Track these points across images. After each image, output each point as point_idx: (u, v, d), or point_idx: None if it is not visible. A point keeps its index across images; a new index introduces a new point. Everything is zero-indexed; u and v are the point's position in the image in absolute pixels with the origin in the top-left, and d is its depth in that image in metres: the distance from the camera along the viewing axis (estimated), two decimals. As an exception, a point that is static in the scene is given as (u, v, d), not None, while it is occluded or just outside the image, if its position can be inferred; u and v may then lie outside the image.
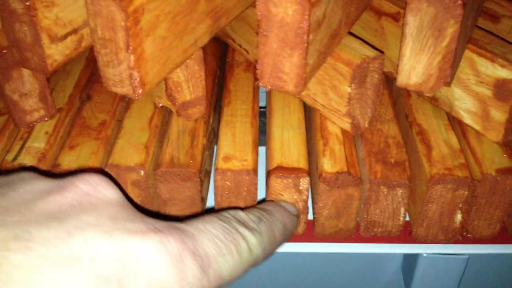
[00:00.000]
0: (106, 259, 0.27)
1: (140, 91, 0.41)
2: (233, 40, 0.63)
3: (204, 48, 0.66)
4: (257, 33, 0.41)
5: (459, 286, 0.66)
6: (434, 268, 0.64)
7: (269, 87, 0.44)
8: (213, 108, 0.59)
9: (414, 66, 0.43)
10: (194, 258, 0.30)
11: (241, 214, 0.40)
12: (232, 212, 0.39)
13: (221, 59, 0.67)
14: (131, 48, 0.38)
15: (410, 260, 0.66)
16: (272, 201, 0.49)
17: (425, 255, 0.63)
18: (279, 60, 0.42)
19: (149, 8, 0.39)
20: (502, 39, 0.51)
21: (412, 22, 0.40)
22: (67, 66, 0.62)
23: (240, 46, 0.63)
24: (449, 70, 0.42)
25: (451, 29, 0.40)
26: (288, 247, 0.54)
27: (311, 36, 0.41)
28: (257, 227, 0.39)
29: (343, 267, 0.68)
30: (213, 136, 0.58)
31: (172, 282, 0.29)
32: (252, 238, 0.37)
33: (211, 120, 0.57)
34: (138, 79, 0.40)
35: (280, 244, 0.42)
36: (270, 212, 0.43)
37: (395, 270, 0.70)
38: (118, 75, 0.41)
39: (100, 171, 0.46)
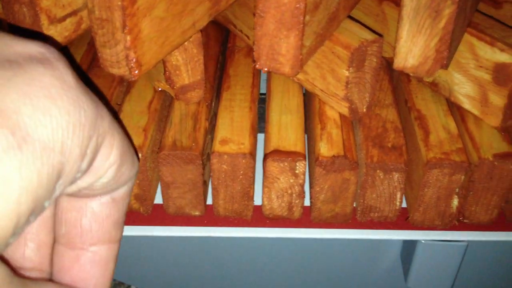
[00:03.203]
0: None
1: (137, 72, 0.41)
2: (235, 26, 0.63)
3: (207, 33, 0.66)
4: (254, 14, 0.41)
5: (458, 273, 0.66)
6: (433, 254, 0.64)
7: (266, 69, 0.44)
8: (215, 92, 0.59)
9: (411, 49, 0.43)
10: None
11: None
12: None
13: (224, 44, 0.67)
14: (127, 28, 0.39)
15: (408, 247, 0.66)
16: None
17: (423, 241, 0.63)
18: (276, 42, 0.42)
19: (145, -12, 0.39)
20: (503, 23, 0.51)
21: (409, 3, 0.40)
22: (68, 51, 0.62)
23: (241, 31, 0.63)
24: (446, 52, 0.42)
25: (448, 10, 0.40)
26: (285, 233, 0.55)
27: (307, 17, 0.41)
28: None
29: (342, 253, 0.68)
30: (215, 120, 0.58)
31: None
32: None
33: (213, 105, 0.57)
34: (134, 59, 0.40)
35: None
36: None
37: (395, 257, 0.71)
38: (115, 55, 0.41)
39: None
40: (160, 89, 0.56)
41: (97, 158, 0.28)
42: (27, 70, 0.25)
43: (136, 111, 0.53)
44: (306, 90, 0.57)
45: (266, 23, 0.41)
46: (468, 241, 0.61)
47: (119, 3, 0.37)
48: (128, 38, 0.39)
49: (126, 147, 0.30)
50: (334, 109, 0.53)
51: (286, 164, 0.49)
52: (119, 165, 0.29)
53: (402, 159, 0.49)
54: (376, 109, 0.54)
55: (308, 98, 0.59)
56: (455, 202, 0.51)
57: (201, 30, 0.63)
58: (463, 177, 0.49)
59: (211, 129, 0.55)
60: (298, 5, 0.39)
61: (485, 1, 0.58)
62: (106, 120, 0.28)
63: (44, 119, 0.24)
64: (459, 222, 0.54)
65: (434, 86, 0.55)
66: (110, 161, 0.29)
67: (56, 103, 0.25)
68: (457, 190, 0.50)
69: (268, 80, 0.59)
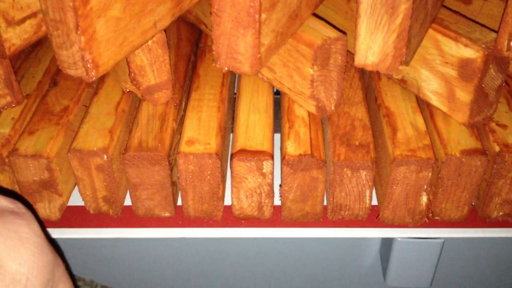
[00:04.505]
0: None
1: (94, 73, 0.41)
2: (206, 25, 0.63)
3: (178, 33, 0.65)
4: (210, 13, 0.41)
5: (437, 270, 0.66)
6: (410, 252, 0.63)
7: (226, 69, 0.44)
8: (186, 92, 0.58)
9: (370, 46, 0.42)
10: None
11: None
12: None
13: (196, 44, 0.67)
14: (81, 28, 0.38)
15: (386, 246, 0.66)
16: None
17: (399, 239, 0.63)
18: (233, 41, 0.42)
19: (99, -12, 0.39)
20: (469, 19, 0.51)
21: (365, 0, 0.40)
22: (39, 53, 0.62)
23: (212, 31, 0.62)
24: (404, 49, 0.41)
25: (404, 6, 0.39)
26: (256, 232, 0.54)
27: (264, 16, 0.40)
28: None
29: (317, 253, 0.67)
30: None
31: None
32: None
33: (183, 105, 0.57)
34: (90, 60, 0.40)
35: None
36: None
37: (373, 256, 0.70)
38: (71, 56, 0.41)
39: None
40: (128, 90, 0.55)
41: None
42: (1, 218, 0.32)
43: (103, 113, 0.53)
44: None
45: (223, 22, 0.41)
46: (445, 238, 0.61)
47: (71, 4, 0.37)
48: (83, 39, 0.39)
49: None
50: (303, 107, 0.53)
51: (253, 163, 0.49)
52: None
53: (369, 157, 0.49)
54: (345, 107, 0.54)
55: (280, 96, 0.59)
56: (424, 199, 0.51)
57: (171, 30, 0.63)
58: (430, 174, 0.49)
59: (180, 130, 0.55)
60: (252, 3, 0.39)
61: (455, -4, 0.57)
62: (61, 268, 0.34)
63: (14, 255, 0.30)
64: (430, 220, 0.54)
65: (403, 83, 0.55)
66: None
67: (24, 245, 0.31)
68: (425, 187, 0.50)
69: (238, 79, 0.59)
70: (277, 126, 0.56)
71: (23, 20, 0.45)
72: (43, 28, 0.47)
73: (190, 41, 0.65)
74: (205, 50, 0.63)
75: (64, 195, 0.52)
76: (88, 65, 0.40)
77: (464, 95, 0.49)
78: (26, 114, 0.53)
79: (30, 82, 0.57)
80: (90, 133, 0.51)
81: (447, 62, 0.49)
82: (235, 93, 0.59)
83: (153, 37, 0.47)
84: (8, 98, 0.53)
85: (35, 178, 0.50)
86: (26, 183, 0.50)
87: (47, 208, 0.52)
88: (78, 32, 0.38)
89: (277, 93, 0.58)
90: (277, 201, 0.53)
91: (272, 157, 0.49)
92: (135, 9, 0.43)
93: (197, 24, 0.64)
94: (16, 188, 0.52)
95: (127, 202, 0.55)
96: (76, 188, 0.53)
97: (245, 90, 0.57)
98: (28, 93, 0.56)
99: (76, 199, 0.54)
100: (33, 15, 0.46)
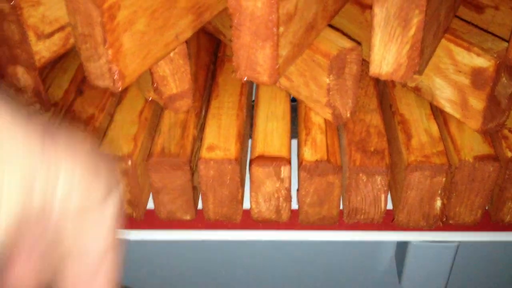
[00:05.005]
0: None
1: (120, 84, 0.43)
2: (224, 36, 0.65)
3: (198, 43, 0.68)
4: (230, 27, 0.43)
5: (451, 273, 0.67)
6: (424, 255, 0.65)
7: (245, 78, 0.46)
8: (205, 101, 0.60)
9: (384, 56, 0.44)
10: None
11: None
12: None
13: (215, 54, 0.69)
14: (108, 42, 0.41)
15: (402, 248, 0.67)
16: None
17: (414, 243, 0.64)
18: (253, 53, 0.44)
19: (125, 4, 0.41)
20: (481, 29, 0.52)
21: (379, 13, 0.42)
22: (65, 63, 0.64)
23: (231, 41, 0.64)
24: (418, 59, 0.43)
25: (417, 19, 0.41)
26: (272, 235, 0.56)
27: (281, 29, 0.42)
28: None
29: (333, 256, 0.69)
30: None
31: None
32: None
33: (203, 113, 0.59)
34: (117, 72, 0.42)
35: None
36: None
37: (388, 259, 0.71)
38: (98, 69, 0.43)
39: None
40: (150, 98, 0.57)
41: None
42: None
43: (126, 120, 0.55)
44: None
45: (242, 35, 0.43)
46: (459, 242, 0.62)
47: (99, 19, 0.39)
48: (110, 52, 0.41)
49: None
50: (319, 115, 0.55)
51: (271, 169, 0.51)
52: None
53: (384, 163, 0.51)
54: (360, 114, 0.56)
55: (297, 104, 0.61)
56: (439, 203, 0.52)
57: (191, 41, 0.65)
58: (444, 179, 0.50)
59: (201, 137, 0.57)
60: (271, 17, 0.41)
61: (468, 6, 0.59)
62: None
63: None
64: (444, 223, 0.55)
65: (417, 91, 0.56)
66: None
67: None
68: (439, 191, 0.51)
69: (257, 87, 0.61)
70: (294, 133, 0.57)
71: (52, 34, 0.47)
72: (71, 40, 0.49)
73: (208, 51, 0.67)
74: (224, 60, 0.65)
75: (90, 200, 0.54)
76: (115, 77, 0.43)
77: (477, 102, 0.51)
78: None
79: (57, 91, 0.59)
80: (115, 139, 0.53)
81: (460, 71, 0.50)
82: (253, 101, 0.61)
83: (175, 48, 0.49)
84: (37, 107, 0.56)
85: (63, 183, 0.52)
86: (54, 188, 0.53)
87: (74, 212, 0.55)
88: (106, 46, 0.41)
89: (294, 100, 0.60)
90: (294, 205, 0.55)
91: (289, 162, 0.51)
92: (158, 23, 0.45)
93: (216, 35, 0.66)
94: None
95: (150, 205, 0.57)
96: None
97: (263, 98, 0.59)
98: (56, 101, 0.58)
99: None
100: (61, 28, 0.48)
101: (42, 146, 0.29)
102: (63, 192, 0.30)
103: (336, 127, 0.55)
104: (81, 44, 0.42)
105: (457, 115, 0.53)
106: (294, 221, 0.56)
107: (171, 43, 0.48)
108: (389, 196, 0.55)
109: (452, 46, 0.50)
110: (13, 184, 0.28)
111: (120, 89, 0.43)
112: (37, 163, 0.29)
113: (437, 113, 0.56)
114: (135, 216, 0.56)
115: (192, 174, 0.54)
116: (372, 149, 0.52)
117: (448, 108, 0.54)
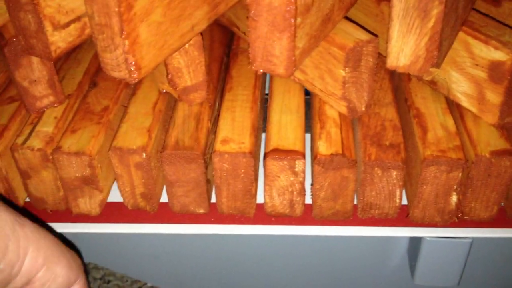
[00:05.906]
0: None
1: (136, 75, 0.43)
2: (238, 28, 0.65)
3: (211, 36, 0.67)
4: (247, 18, 0.43)
5: (465, 270, 0.67)
6: (438, 251, 0.64)
7: (261, 71, 0.45)
8: (219, 93, 0.60)
9: (402, 48, 0.43)
10: None
11: None
12: None
13: (229, 46, 0.68)
14: (125, 33, 0.40)
15: (414, 244, 0.67)
16: None
17: (428, 238, 0.63)
18: (269, 44, 0.43)
19: (142, -6, 0.40)
20: (499, 21, 0.52)
21: (398, 4, 0.41)
22: (79, 54, 0.64)
23: (245, 33, 0.64)
24: (436, 51, 0.42)
25: (436, 10, 0.40)
26: (286, 229, 0.56)
27: (299, 20, 0.42)
28: None
29: (346, 251, 0.69)
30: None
31: None
32: None
33: (216, 105, 0.59)
34: (133, 63, 0.42)
35: None
36: None
37: (401, 255, 0.71)
38: (115, 59, 0.43)
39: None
40: (164, 90, 0.57)
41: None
42: None
43: (141, 112, 0.55)
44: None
45: (259, 26, 0.43)
46: (473, 238, 0.62)
47: (116, 9, 0.39)
48: (127, 42, 0.41)
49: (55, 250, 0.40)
50: (334, 108, 0.55)
51: (285, 162, 0.51)
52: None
53: (399, 157, 0.50)
54: (375, 108, 0.55)
55: (311, 97, 0.60)
56: (454, 198, 0.52)
57: (204, 33, 0.64)
58: (460, 174, 0.50)
59: (214, 129, 0.57)
60: (288, 8, 0.40)
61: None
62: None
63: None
64: (459, 219, 0.55)
65: (433, 85, 0.56)
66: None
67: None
68: (455, 187, 0.51)
69: (270, 80, 0.60)
70: (307, 126, 0.57)
71: (68, 24, 0.47)
72: (87, 31, 0.49)
73: (222, 43, 0.67)
74: (238, 52, 0.64)
75: (104, 191, 0.54)
76: (131, 68, 0.42)
77: (494, 96, 0.50)
78: (68, 113, 0.56)
79: (71, 83, 0.59)
80: (129, 132, 0.53)
81: (477, 64, 0.50)
82: (267, 94, 0.61)
83: (190, 40, 0.49)
84: (51, 98, 0.56)
85: (77, 175, 0.52)
86: (68, 180, 0.53)
87: (88, 203, 0.55)
88: (123, 36, 0.40)
89: (307, 93, 0.59)
90: (308, 200, 0.55)
91: (304, 156, 0.51)
92: (174, 13, 0.45)
93: (230, 27, 0.66)
94: (58, 184, 0.54)
95: (164, 198, 0.57)
96: (115, 185, 0.55)
97: (277, 91, 0.58)
98: (70, 93, 0.58)
99: (114, 196, 0.57)
100: (77, 19, 0.48)
101: (13, 228, 0.35)
102: (28, 268, 0.35)
103: (351, 121, 0.55)
104: (98, 34, 0.42)
105: (474, 109, 0.53)
106: (308, 216, 0.56)
107: (186, 34, 0.48)
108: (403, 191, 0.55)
109: (469, 39, 0.49)
110: None
111: (135, 80, 0.43)
112: (9, 239, 0.34)
113: (453, 107, 0.56)
114: (149, 209, 0.56)
115: (206, 167, 0.54)
116: (387, 143, 0.52)
117: (464, 102, 0.53)
